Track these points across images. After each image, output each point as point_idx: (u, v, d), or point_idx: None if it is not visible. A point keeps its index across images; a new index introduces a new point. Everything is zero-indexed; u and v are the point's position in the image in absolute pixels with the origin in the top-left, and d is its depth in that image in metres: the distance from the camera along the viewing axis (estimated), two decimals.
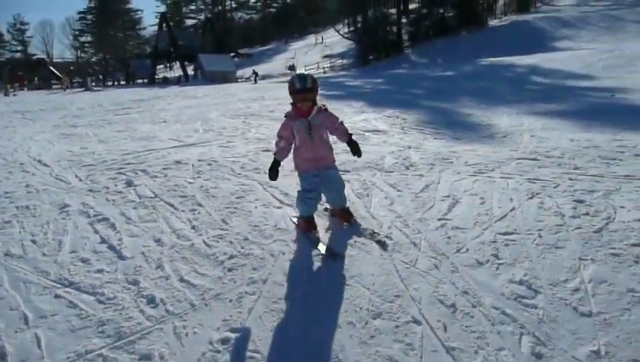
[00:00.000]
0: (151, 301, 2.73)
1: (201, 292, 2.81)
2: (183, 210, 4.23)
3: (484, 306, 2.56)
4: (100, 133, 9.02)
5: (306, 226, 3.59)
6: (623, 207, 3.79)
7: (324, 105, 3.48)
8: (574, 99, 11.13)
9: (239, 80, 41.67)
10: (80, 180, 5.42)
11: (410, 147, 6.43)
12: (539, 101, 10.81)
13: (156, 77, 54.09)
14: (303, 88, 3.28)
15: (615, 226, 3.45)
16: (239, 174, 5.39)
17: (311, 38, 70.46)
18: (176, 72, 57.95)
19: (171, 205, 4.39)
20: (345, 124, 3.63)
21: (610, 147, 5.85)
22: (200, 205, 4.35)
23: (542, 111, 9.35)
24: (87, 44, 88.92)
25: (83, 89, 36.11)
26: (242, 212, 4.15)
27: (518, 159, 5.50)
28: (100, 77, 57.05)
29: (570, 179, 4.59)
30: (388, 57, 41.87)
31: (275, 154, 3.52)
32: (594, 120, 7.88)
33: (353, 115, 9.92)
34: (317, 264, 3.18)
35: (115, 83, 53.48)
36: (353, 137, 3.57)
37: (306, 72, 3.31)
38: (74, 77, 50.00)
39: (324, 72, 42.59)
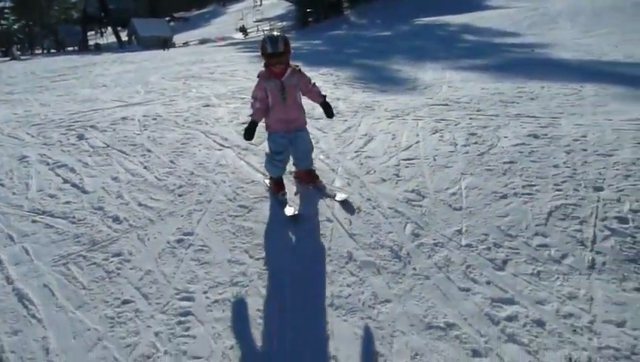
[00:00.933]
0: (116, 219, 3.32)
1: (157, 212, 3.43)
2: (134, 155, 4.75)
3: (381, 207, 3.34)
4: (40, 98, 9.08)
5: (275, 188, 3.66)
6: (506, 137, 4.65)
7: (297, 66, 3.44)
8: (498, 54, 12.00)
9: (176, 45, 40.60)
10: (32, 137, 5.75)
11: (339, 99, 7.08)
12: (465, 57, 11.60)
13: (89, 44, 51.60)
14: (274, 52, 3.16)
15: (495, 150, 4.30)
16: (183, 126, 5.87)
17: (249, 0, 68.67)
18: (109, 38, 55.40)
19: (123, 152, 4.87)
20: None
21: (512, 93, 6.73)
22: (149, 151, 4.87)
23: (465, 66, 10.15)
24: (6, 10, 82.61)
25: (9, 58, 34.29)
26: (188, 154, 4.72)
27: (432, 105, 6.29)
28: (27, 45, 53.92)
29: (470, 118, 5.42)
30: (327, 19, 41.80)
31: (251, 115, 3.39)
32: (509, 72, 8.71)
33: None
34: (252, 188, 3.83)
35: (44, 51, 50.67)
36: (327, 99, 3.65)
37: (277, 34, 3.34)
38: None
39: (264, 35, 42.03)
